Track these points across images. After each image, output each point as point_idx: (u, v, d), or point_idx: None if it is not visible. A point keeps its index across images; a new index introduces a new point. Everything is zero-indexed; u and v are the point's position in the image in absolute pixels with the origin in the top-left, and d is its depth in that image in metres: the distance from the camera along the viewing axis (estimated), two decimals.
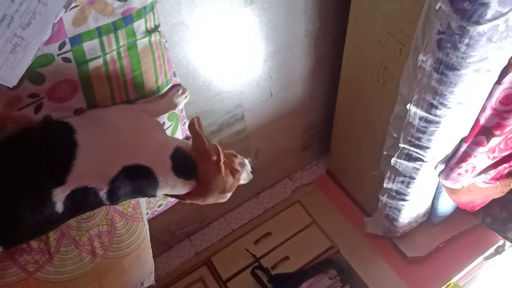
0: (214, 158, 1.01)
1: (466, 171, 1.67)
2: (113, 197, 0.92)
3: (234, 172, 1.08)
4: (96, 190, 0.89)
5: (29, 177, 0.84)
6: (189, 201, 1.05)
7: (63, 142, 0.90)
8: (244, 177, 1.16)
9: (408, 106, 1.47)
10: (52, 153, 0.88)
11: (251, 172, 1.19)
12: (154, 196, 1.00)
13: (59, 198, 0.86)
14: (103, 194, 0.91)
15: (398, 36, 1.48)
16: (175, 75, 1.20)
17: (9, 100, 0.89)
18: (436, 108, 1.40)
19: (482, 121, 1.51)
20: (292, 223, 2.33)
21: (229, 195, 1.08)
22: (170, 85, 1.17)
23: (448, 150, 1.63)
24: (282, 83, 1.93)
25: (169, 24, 1.34)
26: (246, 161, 1.18)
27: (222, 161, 1.03)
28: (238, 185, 1.14)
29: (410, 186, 1.78)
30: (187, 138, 1.34)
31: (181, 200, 1.06)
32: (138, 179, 0.94)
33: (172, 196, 1.05)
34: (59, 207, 0.86)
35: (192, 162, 1.01)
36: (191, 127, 1.02)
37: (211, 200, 1.06)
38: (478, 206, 2.00)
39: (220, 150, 1.04)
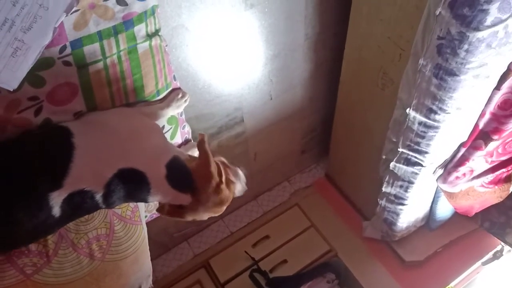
0: (217, 180, 1.00)
1: (464, 174, 1.67)
2: (109, 201, 0.93)
3: (229, 184, 1.07)
4: (92, 193, 0.90)
5: (26, 181, 0.84)
6: (190, 218, 1.04)
7: (60, 146, 0.90)
8: (239, 190, 1.13)
9: (407, 111, 1.48)
10: (50, 157, 0.88)
11: (245, 183, 1.16)
12: (147, 202, 1.00)
13: (56, 202, 0.86)
14: (99, 197, 0.91)
15: (397, 41, 1.48)
16: (175, 79, 1.20)
17: (9, 103, 0.89)
18: (435, 113, 1.41)
19: (480, 125, 1.52)
20: (290, 226, 2.33)
21: (224, 207, 1.07)
22: (170, 89, 1.17)
23: (447, 155, 1.63)
24: (281, 87, 1.93)
25: (170, 27, 1.34)
26: (240, 172, 1.14)
27: (224, 183, 1.02)
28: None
29: (408, 190, 1.78)
30: (186, 141, 1.34)
31: (181, 219, 1.04)
32: (131, 184, 0.94)
33: (171, 216, 1.04)
34: (56, 211, 0.86)
35: (189, 176, 0.99)
36: (201, 145, 1.01)
37: (206, 215, 1.05)
38: (477, 211, 2.00)
39: (222, 169, 1.04)
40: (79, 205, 0.89)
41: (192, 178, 0.99)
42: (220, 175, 1.02)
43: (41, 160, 0.87)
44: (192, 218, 1.04)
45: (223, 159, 1.13)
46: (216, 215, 1.07)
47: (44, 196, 0.84)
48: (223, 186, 1.02)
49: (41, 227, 0.88)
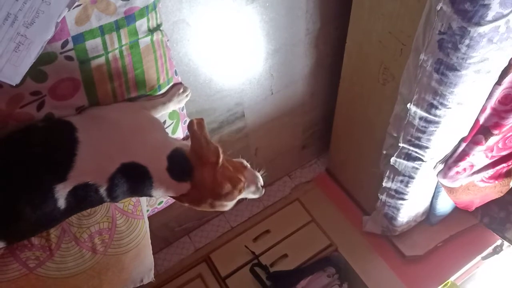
0: (213, 160, 0.96)
1: (464, 169, 1.68)
2: (112, 195, 0.93)
3: (235, 181, 1.01)
4: (96, 186, 0.90)
5: (32, 174, 0.85)
6: (186, 204, 1.02)
7: (64, 140, 0.91)
8: (253, 191, 1.08)
9: (408, 106, 1.48)
10: (54, 150, 0.89)
11: (262, 187, 1.10)
12: (151, 196, 1.00)
13: (61, 194, 0.86)
14: (103, 191, 0.91)
15: (398, 36, 1.48)
16: (176, 74, 1.20)
17: (11, 98, 0.89)
18: (436, 108, 1.41)
19: (481, 120, 1.52)
20: (291, 221, 2.34)
21: (227, 204, 1.03)
22: (171, 84, 1.17)
23: (448, 150, 1.63)
24: (282, 82, 1.93)
25: (171, 22, 1.34)
26: (258, 174, 1.09)
27: (219, 164, 0.98)
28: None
29: (409, 185, 1.79)
30: (187, 136, 1.35)
31: (179, 201, 1.03)
32: (134, 178, 0.94)
33: (171, 197, 1.04)
34: (61, 203, 0.87)
35: (188, 164, 0.97)
36: (190, 127, 0.99)
37: (205, 206, 1.01)
38: (477, 205, 2.01)
39: (221, 155, 0.99)
40: (84, 198, 0.90)
41: (191, 166, 0.97)
42: (217, 156, 0.97)
43: (46, 153, 0.87)
44: (191, 205, 1.02)
45: (242, 160, 1.09)
46: (221, 210, 1.04)
47: (49, 188, 0.85)
48: (219, 168, 0.97)
49: (46, 219, 0.88)
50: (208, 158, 0.97)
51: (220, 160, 0.98)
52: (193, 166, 0.98)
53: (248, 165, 1.10)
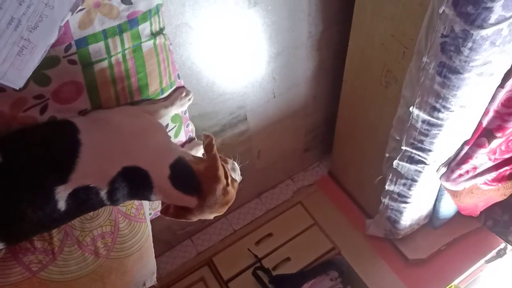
0: (224, 184, 1.00)
1: (467, 172, 1.67)
2: (113, 198, 0.93)
3: (233, 183, 1.07)
4: (97, 189, 0.90)
5: (33, 174, 0.85)
6: (195, 219, 1.04)
7: (67, 141, 0.91)
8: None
9: (411, 109, 1.48)
10: (56, 151, 0.89)
11: (240, 175, 1.18)
12: (150, 200, 1.00)
13: (61, 196, 0.86)
14: (103, 194, 0.91)
15: (401, 39, 1.48)
16: (179, 77, 1.20)
17: (15, 101, 0.89)
18: (439, 111, 1.41)
19: (484, 123, 1.52)
20: (293, 224, 2.33)
21: (227, 206, 1.07)
22: (174, 87, 1.18)
23: (451, 153, 1.63)
24: (285, 85, 1.94)
25: (173, 25, 1.35)
26: (236, 165, 1.17)
27: (230, 185, 1.02)
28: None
29: (412, 188, 1.78)
30: (190, 139, 1.35)
31: (186, 220, 1.04)
32: (134, 182, 0.94)
33: (176, 218, 1.04)
34: (62, 205, 0.87)
35: (195, 178, 0.99)
36: (209, 148, 1.00)
37: (211, 216, 1.05)
38: (481, 210, 2.00)
39: (228, 171, 1.03)
40: (84, 200, 0.90)
41: (198, 181, 0.99)
42: (226, 177, 1.02)
43: (48, 154, 0.87)
44: (197, 219, 1.04)
45: (221, 155, 1.14)
46: (220, 214, 1.07)
47: (50, 190, 0.85)
48: (230, 188, 1.02)
49: (46, 221, 0.88)
50: (221, 181, 1.00)
51: (229, 180, 1.03)
52: (201, 183, 0.99)
53: (228, 159, 1.16)
